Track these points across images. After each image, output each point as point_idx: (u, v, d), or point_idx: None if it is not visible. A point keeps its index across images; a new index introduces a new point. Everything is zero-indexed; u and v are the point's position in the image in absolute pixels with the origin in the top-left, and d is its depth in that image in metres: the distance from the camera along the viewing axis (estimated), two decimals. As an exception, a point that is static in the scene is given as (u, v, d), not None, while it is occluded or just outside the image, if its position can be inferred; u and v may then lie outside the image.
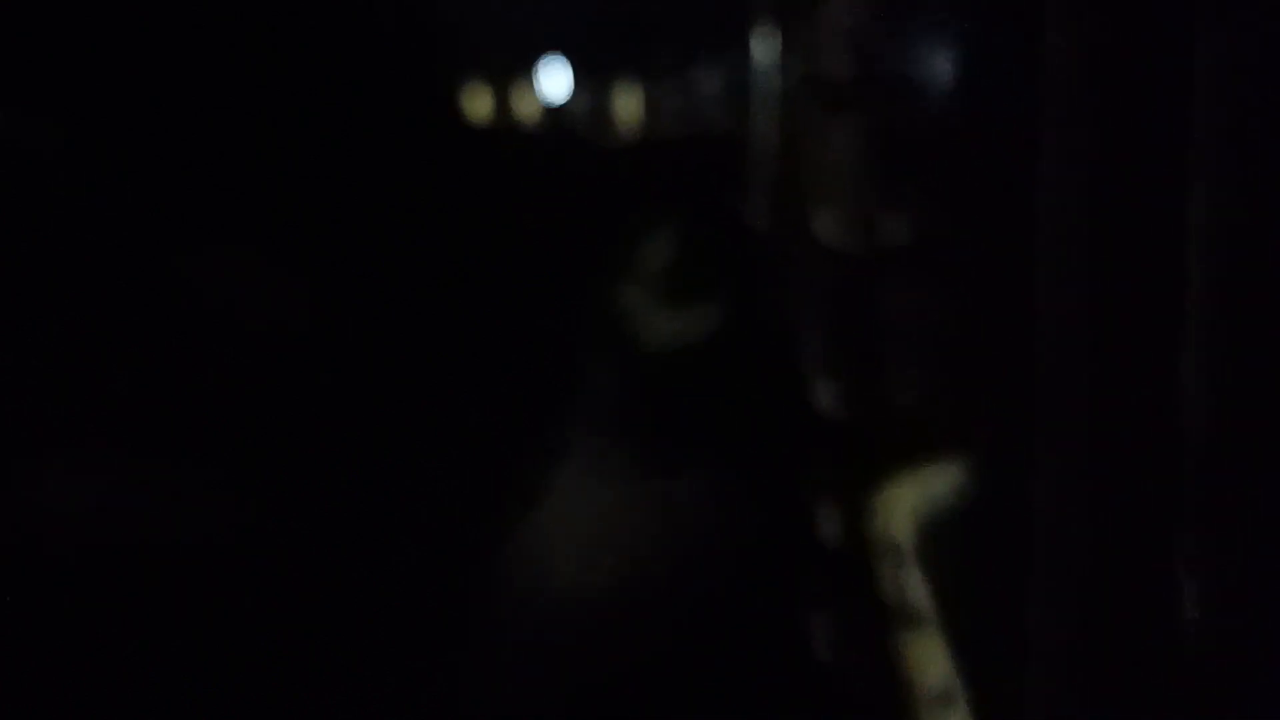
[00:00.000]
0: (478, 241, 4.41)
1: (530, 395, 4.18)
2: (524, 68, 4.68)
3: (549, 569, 3.18)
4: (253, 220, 4.07)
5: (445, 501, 3.50)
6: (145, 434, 3.41)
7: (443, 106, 4.54)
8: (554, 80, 4.77)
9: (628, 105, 4.79)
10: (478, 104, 4.48)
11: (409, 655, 2.82)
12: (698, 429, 3.80)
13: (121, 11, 3.64)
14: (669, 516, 3.39)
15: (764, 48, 4.21)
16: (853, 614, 1.88)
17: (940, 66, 2.41)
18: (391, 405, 3.91)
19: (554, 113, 4.77)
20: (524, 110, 4.62)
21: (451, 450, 3.73)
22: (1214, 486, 1.86)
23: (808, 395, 3.13)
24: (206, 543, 3.13)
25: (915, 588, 1.38)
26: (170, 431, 3.38)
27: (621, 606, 3.05)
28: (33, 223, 3.31)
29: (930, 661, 1.56)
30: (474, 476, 3.63)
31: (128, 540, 3.10)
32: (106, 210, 3.33)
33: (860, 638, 1.65)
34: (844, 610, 2.19)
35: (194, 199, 3.89)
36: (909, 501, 1.67)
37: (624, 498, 3.55)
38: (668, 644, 2.77)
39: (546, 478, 3.58)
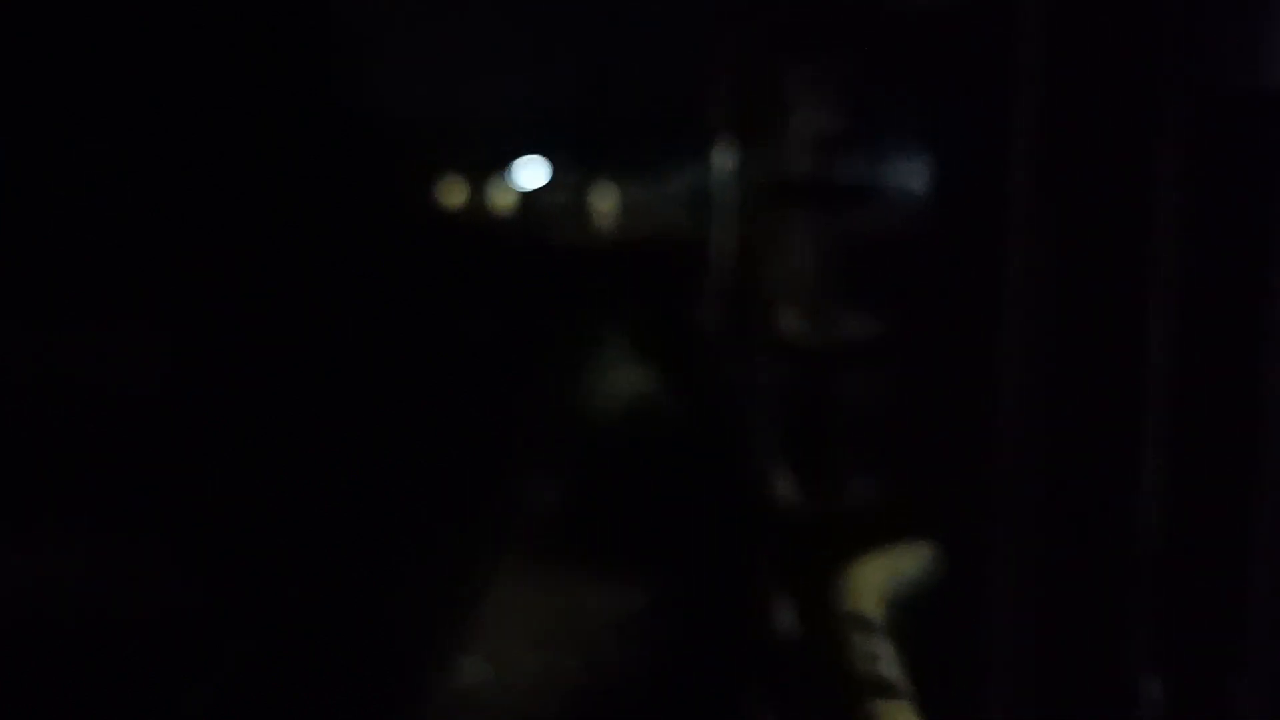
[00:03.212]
0: (443, 331, 4.44)
1: (479, 489, 4.18)
2: (500, 164, 4.78)
3: (498, 674, 3.17)
4: (241, 304, 4.09)
5: (395, 595, 3.48)
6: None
7: (420, 198, 4.62)
8: (527, 175, 4.87)
9: (598, 202, 4.88)
10: (453, 196, 4.55)
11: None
12: (650, 530, 3.82)
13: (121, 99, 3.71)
14: (618, 624, 3.39)
15: (726, 154, 4.33)
16: (818, 694, 1.89)
17: (904, 169, 2.50)
18: (352, 493, 3.90)
19: (526, 206, 4.87)
20: (498, 203, 4.70)
21: (403, 545, 3.72)
22: (1171, 582, 1.91)
23: (765, 488, 3.16)
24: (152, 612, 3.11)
25: (887, 659, 1.41)
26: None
27: (568, 711, 3.03)
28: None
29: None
30: (420, 570, 3.62)
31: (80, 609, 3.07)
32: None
33: (829, 714, 1.67)
34: (806, 694, 2.19)
35: (185, 288, 3.92)
36: (877, 578, 1.70)
37: (573, 604, 3.54)
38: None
39: (490, 573, 3.58)
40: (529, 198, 4.54)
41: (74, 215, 3.74)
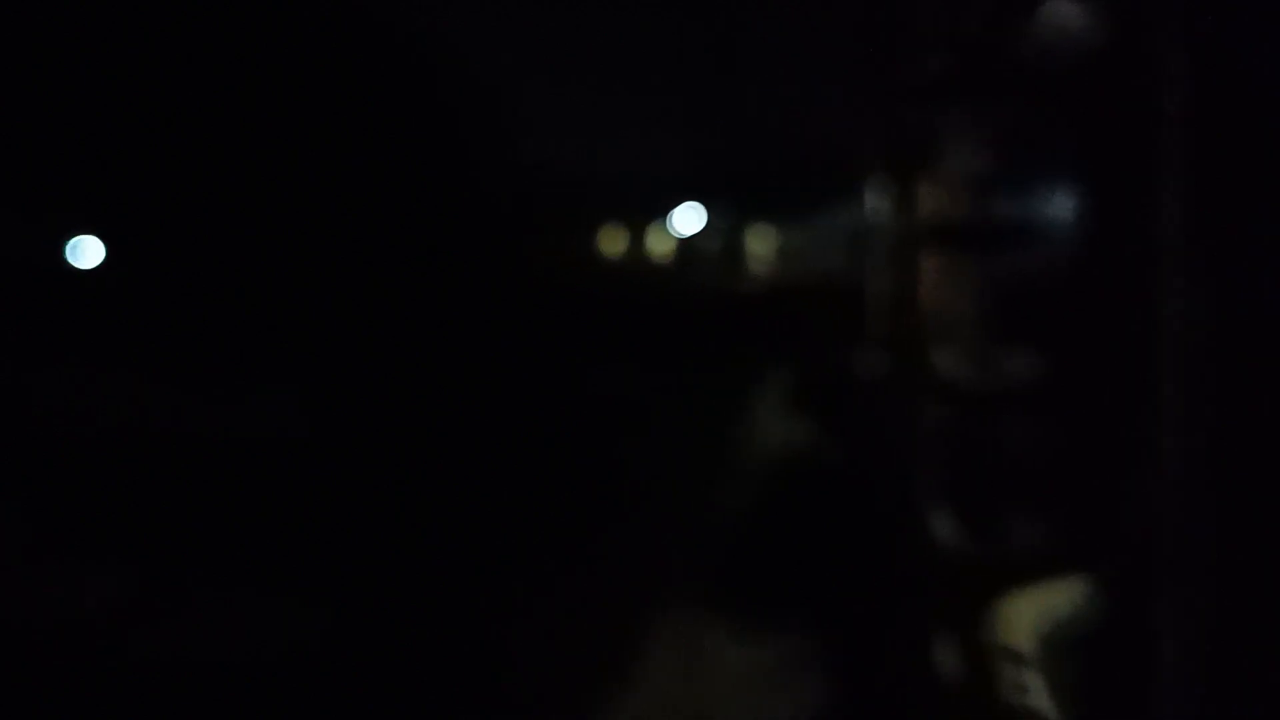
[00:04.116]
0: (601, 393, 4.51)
1: (632, 543, 4.22)
2: (660, 211, 4.87)
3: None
4: (403, 355, 4.24)
5: (534, 668, 3.54)
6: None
7: (581, 248, 4.72)
8: (685, 222, 4.95)
9: (754, 247, 4.93)
10: (613, 243, 4.65)
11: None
12: (808, 579, 3.82)
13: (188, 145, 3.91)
14: (773, 677, 3.40)
15: (882, 197, 4.36)
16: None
17: (1058, 210, 2.51)
18: (497, 553, 3.97)
19: (684, 253, 4.94)
20: (657, 250, 4.79)
21: (547, 605, 3.78)
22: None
23: (923, 531, 3.17)
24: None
25: (1036, 691, 1.42)
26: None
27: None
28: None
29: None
30: (565, 633, 3.67)
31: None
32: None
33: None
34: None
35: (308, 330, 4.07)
36: (1030, 614, 1.71)
37: (728, 660, 3.55)
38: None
39: (642, 634, 3.61)
40: (687, 244, 4.63)
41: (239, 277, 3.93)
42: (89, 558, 3.52)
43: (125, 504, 3.61)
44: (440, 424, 3.97)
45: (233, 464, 3.74)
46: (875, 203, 4.11)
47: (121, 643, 3.34)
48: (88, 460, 3.67)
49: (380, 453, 3.89)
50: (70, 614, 3.36)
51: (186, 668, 3.27)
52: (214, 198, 3.94)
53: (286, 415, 3.87)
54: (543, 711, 3.30)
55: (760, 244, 4.68)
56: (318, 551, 3.63)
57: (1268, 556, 1.88)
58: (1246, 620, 1.86)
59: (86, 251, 3.96)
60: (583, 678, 3.37)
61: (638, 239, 4.45)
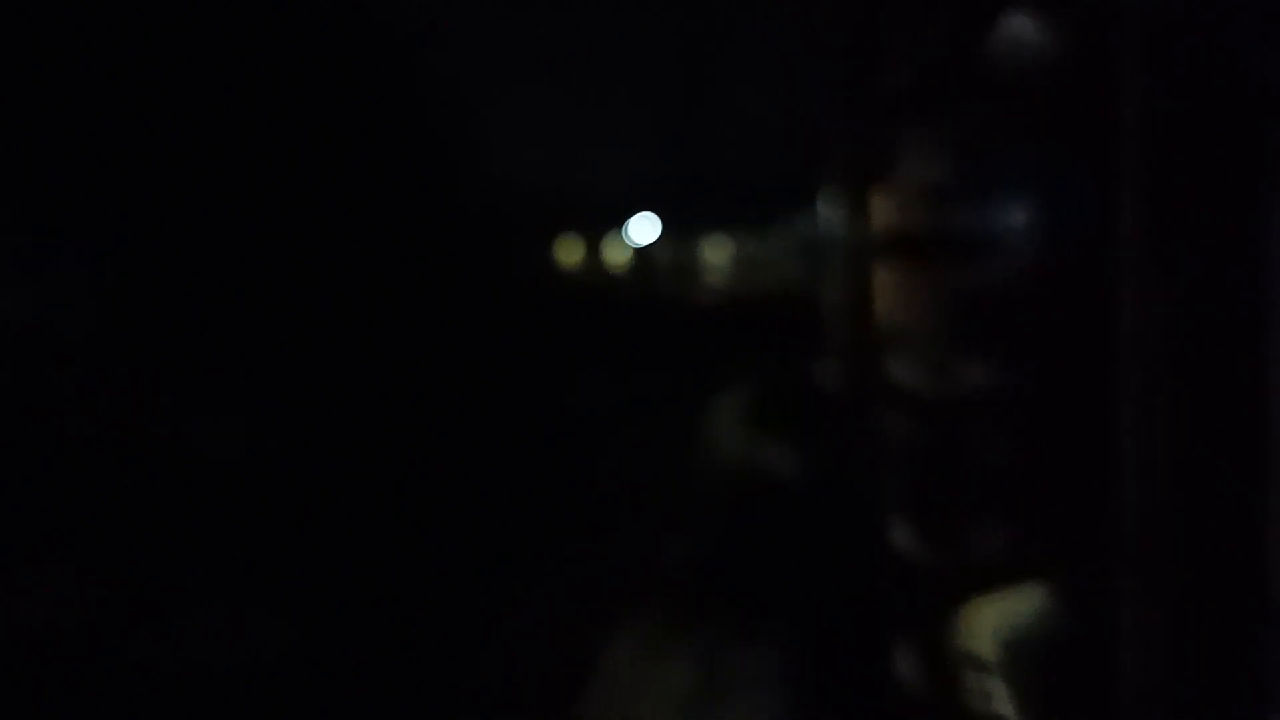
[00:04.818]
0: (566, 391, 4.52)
1: (597, 554, 4.23)
2: (615, 221, 4.88)
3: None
4: (359, 366, 4.22)
5: (505, 665, 3.53)
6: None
7: (537, 259, 4.73)
8: (641, 232, 4.97)
9: (711, 257, 4.94)
10: (571, 254, 4.65)
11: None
12: (770, 588, 3.83)
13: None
14: (743, 684, 3.40)
15: (839, 208, 4.37)
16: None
17: (1014, 221, 2.52)
18: (491, 530, 3.97)
19: (640, 263, 4.95)
20: (613, 260, 4.80)
21: (517, 616, 3.77)
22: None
23: (885, 539, 3.18)
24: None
25: (1000, 699, 1.43)
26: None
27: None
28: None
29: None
30: (538, 640, 3.67)
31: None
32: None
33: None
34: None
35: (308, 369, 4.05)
36: (992, 621, 1.72)
37: (697, 667, 3.55)
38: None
39: (611, 641, 3.62)
40: (642, 254, 4.63)
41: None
42: (64, 564, 3.48)
43: (105, 511, 3.57)
44: (397, 434, 3.95)
45: (209, 472, 3.72)
46: (834, 214, 4.13)
47: (95, 650, 3.31)
48: (70, 466, 3.64)
49: (344, 456, 3.87)
50: (38, 621, 3.32)
51: (162, 674, 3.23)
52: (177, 205, 3.91)
53: (253, 425, 3.84)
54: (522, 713, 3.29)
55: (717, 254, 4.70)
56: (295, 559, 3.61)
57: (1227, 561, 1.90)
58: (1207, 625, 1.88)
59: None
60: (554, 687, 3.36)
61: (594, 250, 4.45)
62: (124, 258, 3.87)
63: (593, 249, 4.52)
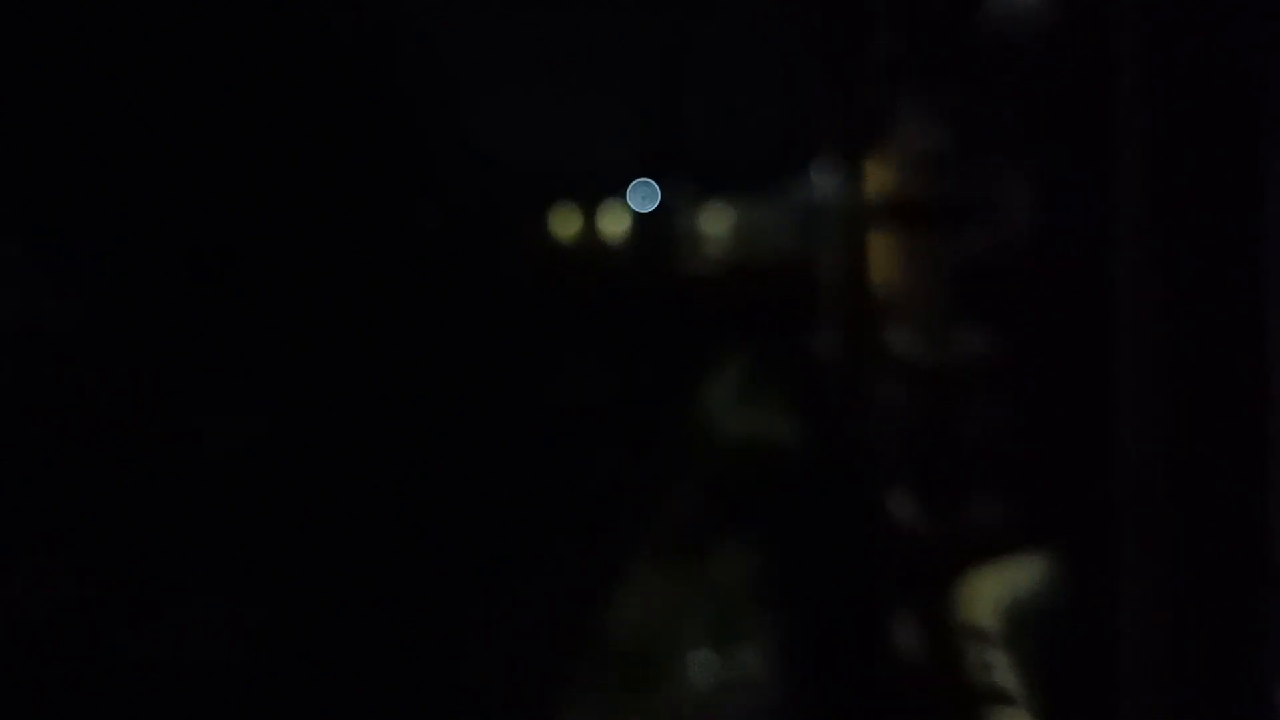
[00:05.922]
0: (563, 350, 4.53)
1: (596, 523, 4.25)
2: (613, 190, 4.87)
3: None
4: (355, 340, 4.22)
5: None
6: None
7: (535, 227, 4.71)
8: (639, 199, 4.95)
9: (709, 226, 4.94)
10: (567, 225, 4.64)
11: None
12: (771, 555, 3.86)
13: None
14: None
15: (836, 176, 4.37)
16: (935, 703, 1.93)
17: (1015, 187, 2.53)
18: (491, 496, 4.00)
19: (638, 231, 4.94)
20: (612, 229, 4.79)
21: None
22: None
23: (884, 507, 3.20)
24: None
25: (1001, 669, 1.45)
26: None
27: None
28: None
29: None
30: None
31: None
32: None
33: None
34: (925, 704, 2.22)
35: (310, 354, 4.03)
36: (992, 591, 1.74)
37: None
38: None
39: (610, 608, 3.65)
40: (641, 222, 4.63)
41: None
42: (56, 559, 3.50)
43: (103, 508, 3.59)
44: (399, 411, 3.96)
45: (196, 471, 3.73)
46: (833, 183, 4.12)
47: (86, 644, 3.33)
48: (67, 461, 3.65)
49: (332, 447, 3.88)
50: (25, 615, 3.35)
51: (149, 668, 3.26)
52: (159, 206, 3.90)
53: (243, 420, 3.85)
54: (516, 697, 3.34)
55: (716, 224, 4.69)
56: (277, 556, 3.63)
57: (1222, 530, 1.92)
58: (1204, 594, 1.90)
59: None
60: (548, 665, 3.40)
61: (591, 218, 4.45)
62: (110, 245, 3.86)
63: (590, 217, 4.51)
